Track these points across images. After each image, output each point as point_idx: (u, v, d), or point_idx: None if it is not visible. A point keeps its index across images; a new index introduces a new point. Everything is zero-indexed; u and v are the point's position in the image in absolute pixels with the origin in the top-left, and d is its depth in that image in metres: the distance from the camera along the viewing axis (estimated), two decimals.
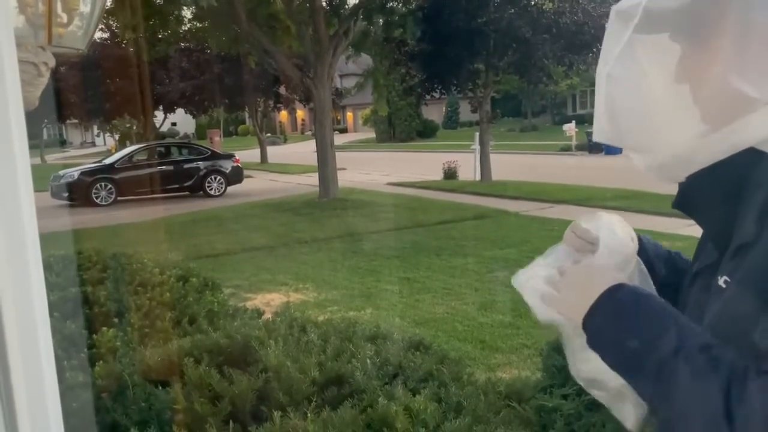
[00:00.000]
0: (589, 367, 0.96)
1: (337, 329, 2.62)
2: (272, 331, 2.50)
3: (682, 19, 0.79)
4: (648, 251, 1.02)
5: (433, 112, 42.00)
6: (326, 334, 2.52)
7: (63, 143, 55.54)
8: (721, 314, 0.77)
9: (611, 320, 0.82)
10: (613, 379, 0.90)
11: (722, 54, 0.77)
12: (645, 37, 0.81)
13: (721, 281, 0.79)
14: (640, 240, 1.00)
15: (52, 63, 1.29)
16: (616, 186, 13.29)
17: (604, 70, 0.85)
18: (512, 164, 20.24)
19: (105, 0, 1.36)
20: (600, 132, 0.88)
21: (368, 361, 2.31)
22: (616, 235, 0.96)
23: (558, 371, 2.71)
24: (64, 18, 1.28)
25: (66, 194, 16.32)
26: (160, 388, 2.40)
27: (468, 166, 17.37)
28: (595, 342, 0.85)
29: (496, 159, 17.39)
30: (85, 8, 1.31)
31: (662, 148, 0.84)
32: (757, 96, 0.74)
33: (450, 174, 17.99)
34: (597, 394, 1.00)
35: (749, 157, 0.78)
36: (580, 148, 25.46)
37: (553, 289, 0.92)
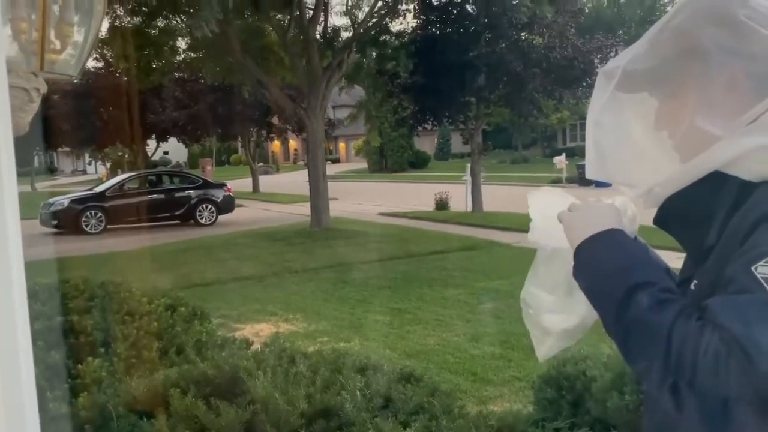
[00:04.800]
0: (536, 295, 1.13)
1: (326, 360, 2.58)
2: (261, 362, 2.46)
3: (655, 78, 0.98)
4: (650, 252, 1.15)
5: (425, 144, 42.31)
6: (316, 366, 2.48)
7: (54, 171, 55.37)
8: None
9: (602, 252, 0.97)
10: (548, 317, 1.10)
11: (689, 103, 0.95)
12: (626, 96, 1.01)
13: (692, 285, 0.95)
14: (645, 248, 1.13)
15: (44, 89, 1.29)
16: None
17: (591, 117, 1.02)
18: (503, 196, 20.31)
19: (99, 28, 1.36)
20: (591, 171, 1.04)
21: (358, 393, 2.28)
22: (632, 208, 1.11)
23: (550, 404, 2.68)
24: (58, 45, 1.28)
25: (55, 222, 16.21)
26: (145, 419, 2.35)
27: (459, 197, 17.44)
28: (582, 264, 0.99)
29: (487, 190, 17.47)
30: (78, 36, 1.31)
31: (647, 179, 0.99)
32: (720, 134, 0.91)
33: (442, 205, 18.04)
34: (527, 322, 1.16)
35: (715, 179, 0.91)
36: (570, 180, 25.63)
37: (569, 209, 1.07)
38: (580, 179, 24.19)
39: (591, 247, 0.99)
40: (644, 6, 44.44)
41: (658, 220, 1.01)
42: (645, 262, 0.96)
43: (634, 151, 1.03)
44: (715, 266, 0.88)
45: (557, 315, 1.11)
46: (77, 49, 1.32)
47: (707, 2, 0.94)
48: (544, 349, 1.14)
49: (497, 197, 18.69)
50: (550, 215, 1.09)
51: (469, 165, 17.17)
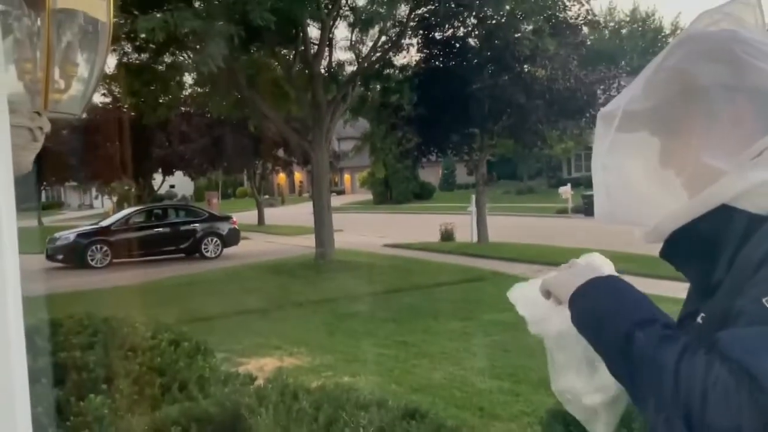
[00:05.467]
0: (566, 383, 1.09)
1: (329, 396, 2.54)
2: (263, 399, 2.42)
3: (656, 117, 0.98)
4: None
5: (430, 175, 42.44)
6: (318, 402, 2.44)
7: (61, 205, 55.71)
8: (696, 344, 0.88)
9: (598, 295, 0.97)
10: (588, 397, 1.06)
11: (694, 141, 0.95)
12: (628, 136, 1.01)
13: (699, 319, 0.93)
14: None
15: (48, 128, 1.30)
16: (614, 249, 13.27)
17: (597, 162, 1.02)
18: (509, 226, 20.30)
19: (103, 67, 1.38)
20: (602, 214, 1.05)
21: (361, 430, 2.24)
22: (609, 264, 1.14)
23: None
24: (62, 84, 1.30)
25: (61, 256, 16.25)
26: None
27: (465, 228, 17.41)
28: (579, 311, 0.98)
29: (492, 221, 17.46)
30: (82, 75, 1.33)
31: (654, 220, 0.99)
32: (726, 168, 0.90)
33: (447, 236, 18.01)
34: (571, 408, 1.12)
35: (722, 213, 0.91)
36: (576, 210, 25.59)
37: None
38: (586, 209, 24.15)
39: (585, 293, 0.99)
40: (646, 38, 45.00)
41: (664, 253, 1.01)
42: (642, 301, 0.95)
43: (640, 191, 1.03)
44: (724, 299, 0.87)
45: (595, 393, 1.08)
46: (81, 88, 1.34)
47: (702, 41, 0.95)
48: (602, 428, 1.10)
49: (503, 228, 18.67)
50: (539, 303, 1.10)
51: (473, 196, 17.19)
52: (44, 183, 34.34)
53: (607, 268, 1.10)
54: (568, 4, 15.31)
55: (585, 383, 1.09)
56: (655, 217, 0.99)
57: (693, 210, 0.94)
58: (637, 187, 1.03)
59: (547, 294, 1.10)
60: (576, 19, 15.76)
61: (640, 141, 1.02)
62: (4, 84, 1.30)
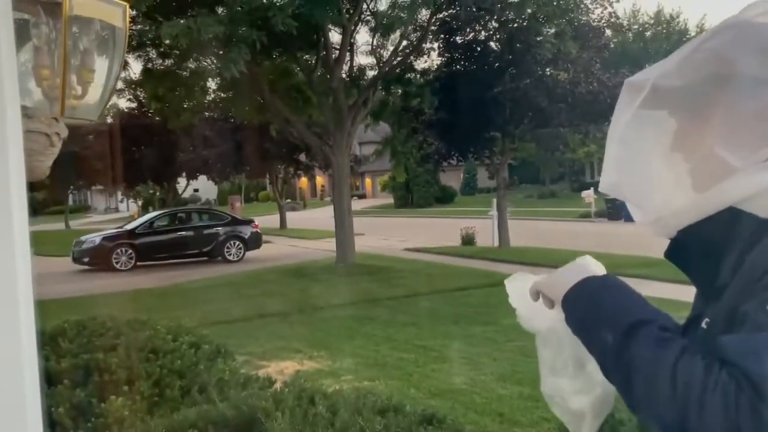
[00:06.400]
0: (554, 384, 1.09)
1: (346, 401, 2.54)
2: (280, 403, 2.43)
3: (682, 97, 0.94)
4: None
5: (451, 179, 42.37)
6: (335, 406, 2.44)
7: (87, 209, 56.67)
8: (700, 350, 0.86)
9: (593, 295, 0.95)
10: (575, 400, 1.05)
11: (712, 129, 0.91)
12: (648, 112, 0.97)
13: (703, 323, 0.91)
14: None
15: (65, 134, 1.32)
16: (637, 254, 13.10)
17: (615, 132, 1.00)
18: (531, 230, 20.16)
19: (119, 74, 1.40)
20: (606, 186, 1.02)
21: None
22: (600, 266, 1.09)
23: None
24: (79, 91, 1.32)
25: (87, 259, 16.51)
26: None
27: (486, 232, 17.32)
28: (573, 312, 0.97)
29: (514, 225, 17.33)
30: (99, 82, 1.34)
31: (657, 206, 0.98)
32: (738, 165, 0.87)
33: (468, 240, 17.94)
34: (558, 411, 1.11)
35: (729, 215, 0.89)
36: (599, 214, 25.35)
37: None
38: (610, 214, 23.91)
39: (579, 293, 0.97)
40: (670, 40, 44.40)
41: (669, 254, 0.99)
42: (638, 301, 0.94)
43: (648, 172, 1.00)
44: (729, 305, 0.86)
45: (581, 394, 1.08)
46: (98, 94, 1.36)
47: (750, 30, 0.91)
48: (586, 430, 1.10)
49: (525, 232, 18.54)
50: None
51: (495, 200, 17.11)
52: (71, 187, 34.95)
53: (600, 271, 1.08)
54: (590, 6, 15.20)
55: (571, 384, 1.08)
56: (655, 201, 0.98)
57: (700, 210, 0.92)
58: (647, 166, 1.00)
59: (536, 296, 1.08)
60: (599, 21, 15.63)
61: (659, 119, 0.99)
62: (22, 90, 1.32)
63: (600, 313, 0.93)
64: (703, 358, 0.80)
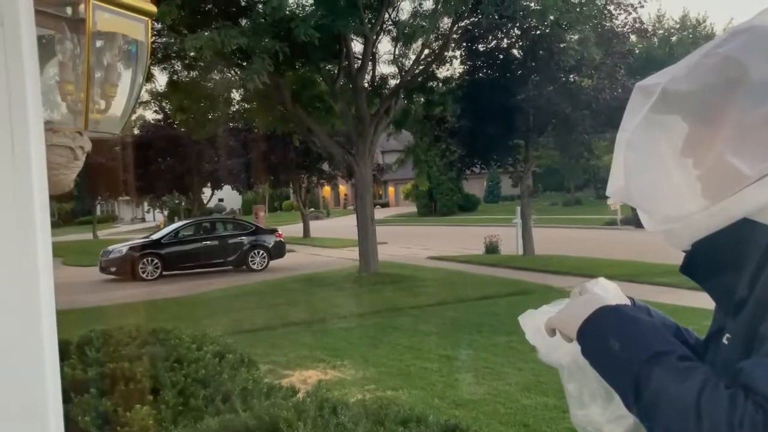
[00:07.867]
0: (585, 416, 1.07)
1: (368, 411, 2.53)
2: (302, 413, 2.43)
3: (692, 102, 0.92)
4: (654, 319, 1.08)
5: (475, 187, 42.20)
6: (357, 417, 2.43)
7: (114, 219, 57.62)
8: (721, 368, 0.85)
9: (608, 328, 0.93)
10: (608, 429, 1.03)
11: (723, 135, 0.89)
12: (658, 117, 0.95)
13: (725, 339, 0.89)
14: (648, 310, 1.10)
15: (89, 147, 1.34)
16: (664, 261, 12.88)
17: (623, 136, 0.97)
18: (555, 238, 19.97)
19: (141, 87, 1.42)
20: (613, 190, 1.01)
21: None
22: (609, 291, 1.07)
23: None
24: (102, 105, 1.34)
25: (114, 269, 16.76)
26: None
27: (510, 240, 17.20)
28: (589, 346, 0.95)
29: (538, 233, 17.19)
30: (122, 96, 1.36)
31: (666, 212, 0.96)
32: (749, 173, 0.85)
33: (492, 248, 17.82)
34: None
35: (745, 227, 0.87)
36: (625, 222, 25.03)
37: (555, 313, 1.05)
38: (636, 221, 23.59)
39: (592, 328, 0.95)
40: (697, 45, 43.76)
41: (684, 268, 0.97)
42: (655, 331, 0.91)
43: (657, 177, 0.97)
44: (749, 321, 0.83)
45: (614, 424, 1.06)
46: (120, 108, 1.38)
47: (765, 37, 0.89)
48: None
49: (549, 240, 18.37)
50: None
51: (519, 208, 16.99)
52: (99, 197, 35.57)
53: (614, 293, 1.06)
54: (614, 12, 15.07)
55: (601, 414, 1.06)
56: (664, 207, 0.96)
57: (713, 221, 0.90)
58: (656, 172, 0.97)
59: (552, 332, 1.06)
60: (623, 27, 15.48)
61: (670, 124, 0.96)
62: (50, 104, 1.35)
63: (614, 347, 0.91)
64: (726, 386, 0.78)
